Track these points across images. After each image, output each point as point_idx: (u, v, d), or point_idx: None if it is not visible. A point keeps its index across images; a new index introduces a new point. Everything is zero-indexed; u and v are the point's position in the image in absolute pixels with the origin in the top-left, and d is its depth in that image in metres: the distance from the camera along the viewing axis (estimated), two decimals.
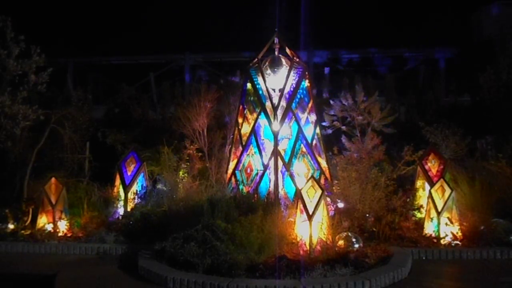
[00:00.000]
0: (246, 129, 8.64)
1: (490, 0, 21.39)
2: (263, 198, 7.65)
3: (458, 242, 7.02)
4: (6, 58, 8.59)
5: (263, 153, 8.24)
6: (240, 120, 8.81)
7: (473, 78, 12.49)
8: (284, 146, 8.29)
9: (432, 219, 7.30)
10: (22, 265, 6.80)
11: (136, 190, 8.77)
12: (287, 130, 8.35)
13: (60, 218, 8.01)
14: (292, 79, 8.40)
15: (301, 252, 6.17)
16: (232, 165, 8.71)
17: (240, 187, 8.35)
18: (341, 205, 7.76)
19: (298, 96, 8.49)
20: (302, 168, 8.27)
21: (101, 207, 8.53)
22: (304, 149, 8.35)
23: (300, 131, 8.31)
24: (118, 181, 8.89)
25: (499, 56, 11.84)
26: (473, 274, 6.10)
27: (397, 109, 13.45)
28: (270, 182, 8.09)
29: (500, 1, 21.27)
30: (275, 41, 8.75)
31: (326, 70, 21.60)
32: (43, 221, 8.04)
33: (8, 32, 8.58)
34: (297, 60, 8.60)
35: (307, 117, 8.61)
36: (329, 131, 10.51)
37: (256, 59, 8.64)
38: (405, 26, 23.08)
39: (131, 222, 7.89)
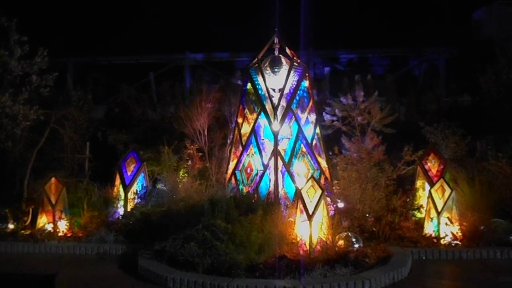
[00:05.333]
0: (246, 129, 8.65)
1: (490, 0, 21.38)
2: (263, 198, 7.66)
3: (458, 242, 7.03)
4: (8, 59, 8.57)
5: (263, 153, 8.24)
6: (240, 120, 8.82)
7: (473, 78, 12.49)
8: (284, 146, 8.29)
9: (432, 219, 7.30)
10: (22, 265, 6.81)
11: (136, 190, 8.77)
12: (287, 130, 8.35)
13: (60, 218, 8.01)
14: (292, 79, 8.40)
15: (301, 252, 6.18)
16: (232, 165, 8.71)
17: (240, 187, 8.36)
18: (341, 205, 7.76)
19: (298, 96, 8.50)
20: (302, 168, 8.27)
21: (101, 207, 8.53)
22: (304, 149, 8.36)
23: (300, 131, 8.31)
24: (118, 181, 8.90)
25: (499, 56, 11.83)
26: (473, 274, 6.10)
27: (397, 109, 13.46)
28: (270, 182, 8.10)
29: (500, 1, 21.26)
30: (275, 41, 8.75)
31: (326, 70, 21.60)
32: (43, 221, 8.04)
33: (12, 33, 8.57)
34: (297, 60, 8.61)
35: (307, 117, 8.62)
36: (329, 131, 10.51)
37: (256, 59, 8.64)
38: (405, 26, 23.04)
39: (131, 222, 7.90)
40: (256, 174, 8.27)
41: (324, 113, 10.53)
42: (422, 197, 8.29)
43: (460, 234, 7.12)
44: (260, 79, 8.45)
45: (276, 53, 8.78)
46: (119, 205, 8.64)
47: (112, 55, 24.63)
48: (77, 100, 11.21)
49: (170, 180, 9.05)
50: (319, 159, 8.50)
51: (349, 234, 6.60)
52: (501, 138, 10.54)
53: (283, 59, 8.59)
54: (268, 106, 8.28)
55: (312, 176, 7.03)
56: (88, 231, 7.86)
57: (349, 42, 23.05)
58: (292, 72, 8.36)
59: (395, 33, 22.87)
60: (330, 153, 8.89)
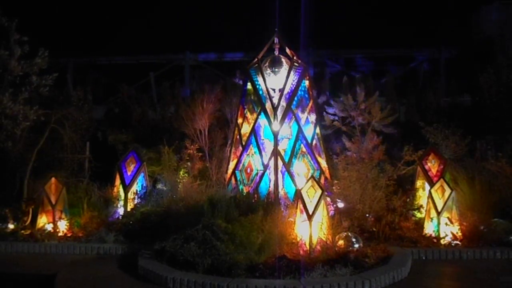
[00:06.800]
0: (246, 129, 8.65)
1: (490, 0, 21.37)
2: (263, 198, 7.65)
3: (458, 242, 7.03)
4: (8, 59, 8.57)
5: (263, 153, 8.24)
6: (240, 120, 8.82)
7: (473, 78, 12.49)
8: (284, 146, 8.29)
9: (432, 219, 7.30)
10: (22, 265, 6.81)
11: (136, 190, 8.77)
12: (287, 130, 8.36)
13: (60, 218, 8.02)
14: (292, 79, 8.40)
15: (301, 252, 6.17)
16: (232, 165, 8.71)
17: (240, 187, 8.36)
18: (341, 205, 7.76)
19: (298, 96, 8.50)
20: (302, 168, 8.27)
21: (101, 207, 8.53)
22: (304, 149, 8.36)
23: (300, 131, 8.31)
24: (118, 181, 8.90)
25: (499, 56, 11.84)
26: (473, 274, 6.10)
27: (397, 109, 13.45)
28: (270, 182, 8.10)
29: (500, 1, 21.24)
30: (275, 41, 8.76)
31: (326, 70, 21.60)
32: (43, 221, 8.05)
33: (12, 33, 8.57)
34: (297, 60, 8.61)
35: (307, 117, 8.62)
36: (329, 131, 10.52)
37: (256, 59, 8.65)
38: (405, 26, 23.06)
39: (131, 222, 7.90)
40: (256, 174, 8.27)
41: (324, 113, 10.55)
42: (422, 197, 8.29)
43: (460, 234, 7.12)
44: (260, 79, 8.45)
45: (276, 53, 8.78)
46: (119, 205, 8.64)
47: (112, 55, 24.63)
48: (77, 100, 11.22)
49: (170, 180, 9.05)
50: (319, 159, 8.50)
51: (349, 234, 6.59)
52: (501, 138, 10.55)
53: (283, 59, 8.59)
54: (268, 106, 8.28)
55: (312, 176, 7.02)
56: (88, 231, 7.86)
57: (349, 42, 23.06)
58: (292, 72, 8.37)
59: (395, 33, 22.88)
60: (330, 153, 8.91)
